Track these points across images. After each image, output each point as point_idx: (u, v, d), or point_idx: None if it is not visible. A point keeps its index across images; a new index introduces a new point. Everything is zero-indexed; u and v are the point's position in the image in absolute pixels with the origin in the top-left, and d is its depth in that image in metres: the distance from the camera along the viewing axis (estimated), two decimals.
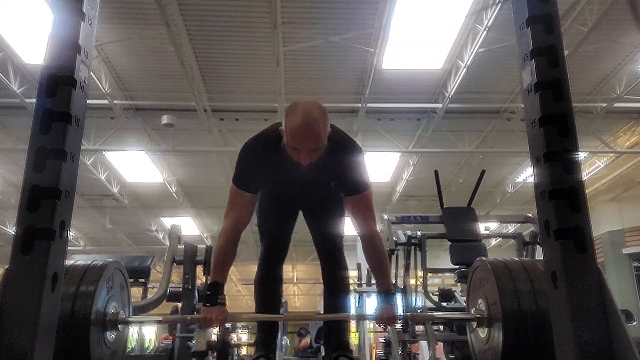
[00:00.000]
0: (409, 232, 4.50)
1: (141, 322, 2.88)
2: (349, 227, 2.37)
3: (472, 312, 2.17)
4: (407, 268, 4.53)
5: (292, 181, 2.16)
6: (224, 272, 2.10)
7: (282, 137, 1.99)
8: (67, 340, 1.79)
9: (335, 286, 2.37)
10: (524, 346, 1.85)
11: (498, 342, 1.91)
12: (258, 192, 2.27)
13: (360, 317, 2.06)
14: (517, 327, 1.86)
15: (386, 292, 2.13)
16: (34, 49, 6.43)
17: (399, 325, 4.56)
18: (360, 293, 6.42)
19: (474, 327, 2.18)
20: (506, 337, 1.86)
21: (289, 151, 1.96)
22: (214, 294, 2.04)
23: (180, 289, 4.63)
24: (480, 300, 2.11)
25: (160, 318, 2.40)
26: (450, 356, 4.41)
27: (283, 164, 2.05)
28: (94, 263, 2.03)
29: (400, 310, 4.56)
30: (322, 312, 2.46)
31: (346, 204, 2.21)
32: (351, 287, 2.48)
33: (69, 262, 2.02)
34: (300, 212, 2.46)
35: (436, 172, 4.79)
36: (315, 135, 1.90)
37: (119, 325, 2.09)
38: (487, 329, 2.05)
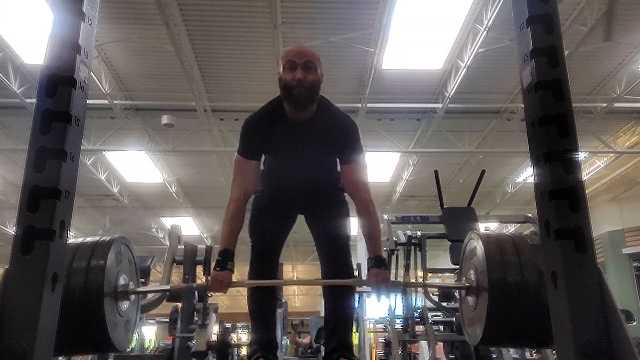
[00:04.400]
0: (409, 232, 4.49)
1: (150, 292, 3.01)
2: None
3: (463, 281, 2.26)
4: (407, 268, 4.52)
5: (292, 148, 2.22)
6: (233, 239, 2.17)
7: (280, 94, 2.14)
8: (83, 312, 1.90)
9: (341, 286, 2.34)
10: (508, 313, 1.93)
11: (484, 308, 1.99)
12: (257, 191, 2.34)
13: (356, 282, 2.06)
14: (501, 295, 1.93)
15: (377, 257, 2.16)
16: (34, 49, 6.43)
17: (398, 325, 4.56)
18: (360, 293, 6.42)
19: (464, 295, 2.27)
20: (491, 304, 1.94)
21: (285, 76, 2.08)
22: (224, 259, 2.12)
23: None
24: (470, 271, 2.19)
25: (169, 287, 2.50)
26: (450, 356, 4.41)
27: (283, 128, 2.18)
28: (102, 239, 2.14)
29: (400, 310, 4.57)
30: (322, 312, 2.46)
31: (343, 173, 2.28)
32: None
33: (77, 240, 2.12)
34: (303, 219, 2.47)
35: (436, 172, 4.79)
36: (309, 51, 2.12)
37: (130, 296, 2.20)
38: (475, 297, 2.14)
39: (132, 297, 2.24)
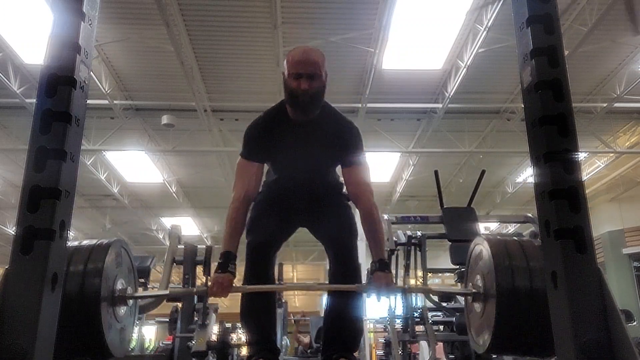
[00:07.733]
0: (409, 232, 4.49)
1: (149, 298, 2.92)
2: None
3: (469, 287, 2.19)
4: (407, 268, 4.52)
5: (294, 149, 2.22)
6: (235, 241, 2.15)
7: (284, 98, 2.16)
8: (80, 316, 1.86)
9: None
10: (517, 320, 1.87)
11: (492, 316, 1.94)
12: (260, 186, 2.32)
13: (360, 288, 2.01)
14: (510, 301, 1.87)
15: (380, 260, 2.16)
16: (34, 49, 6.43)
17: (398, 325, 4.56)
18: (360, 293, 6.40)
19: (471, 301, 2.21)
20: (499, 311, 1.88)
21: (290, 83, 2.09)
22: (225, 262, 2.08)
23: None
24: (477, 276, 2.14)
25: (167, 292, 2.43)
26: (450, 356, 4.41)
27: (286, 129, 2.20)
28: (99, 242, 2.08)
29: (400, 310, 4.57)
30: (322, 312, 2.42)
31: (345, 176, 2.26)
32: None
33: (74, 243, 2.06)
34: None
35: (436, 172, 4.79)
36: (314, 60, 2.10)
37: (128, 301, 2.16)
38: (482, 303, 2.08)
39: (130, 302, 2.20)
